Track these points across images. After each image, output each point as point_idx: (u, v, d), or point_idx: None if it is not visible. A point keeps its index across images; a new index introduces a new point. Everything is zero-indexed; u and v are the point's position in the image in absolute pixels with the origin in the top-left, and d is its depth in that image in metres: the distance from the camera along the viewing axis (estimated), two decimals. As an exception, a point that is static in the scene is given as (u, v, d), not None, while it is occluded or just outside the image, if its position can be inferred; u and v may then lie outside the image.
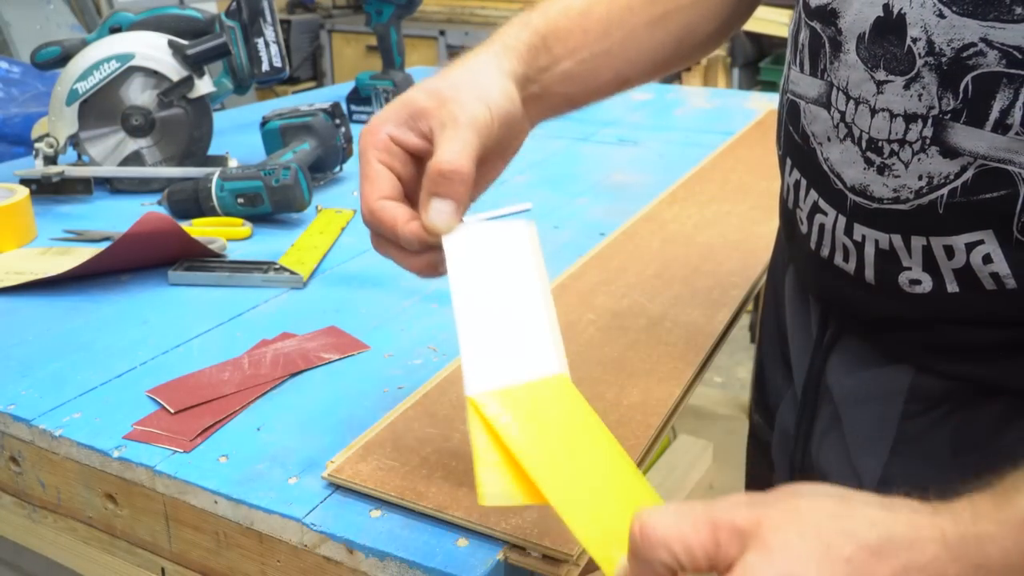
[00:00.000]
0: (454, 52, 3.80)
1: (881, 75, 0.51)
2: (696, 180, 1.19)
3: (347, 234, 1.01)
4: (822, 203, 0.58)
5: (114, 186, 1.14)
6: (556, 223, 1.04)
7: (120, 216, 1.05)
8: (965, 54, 0.47)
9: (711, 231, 1.00)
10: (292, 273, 0.86)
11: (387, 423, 0.60)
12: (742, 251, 0.93)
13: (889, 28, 0.50)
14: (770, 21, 3.56)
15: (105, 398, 0.65)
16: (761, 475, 0.74)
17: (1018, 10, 0.44)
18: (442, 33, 3.82)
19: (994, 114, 0.47)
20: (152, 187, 1.13)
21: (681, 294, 0.83)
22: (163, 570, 0.60)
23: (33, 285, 0.83)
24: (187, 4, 2.51)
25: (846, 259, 0.56)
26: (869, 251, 0.54)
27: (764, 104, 1.68)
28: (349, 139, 1.20)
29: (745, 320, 2.26)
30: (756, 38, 3.62)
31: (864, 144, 0.53)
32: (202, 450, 0.59)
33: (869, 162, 0.53)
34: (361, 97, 1.53)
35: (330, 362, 0.71)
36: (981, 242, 0.49)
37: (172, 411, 0.62)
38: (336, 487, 0.55)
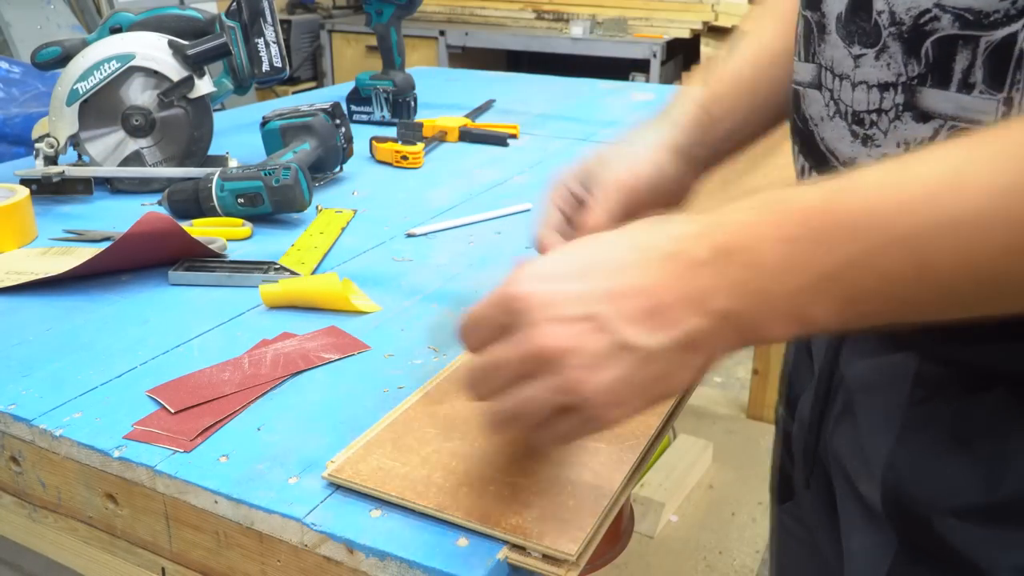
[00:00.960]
0: (454, 52, 3.82)
1: (856, 49, 0.54)
2: (696, 180, 1.19)
3: (347, 234, 1.01)
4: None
5: (114, 186, 1.14)
6: (556, 223, 1.04)
7: (120, 216, 1.05)
8: (922, 20, 0.49)
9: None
10: (292, 273, 0.86)
11: (387, 423, 0.60)
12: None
13: (860, 5, 0.53)
14: (770, 21, 3.55)
15: (105, 398, 0.65)
16: (784, 470, 0.75)
17: None
18: (442, 33, 3.82)
19: (956, 75, 0.48)
20: (152, 187, 1.13)
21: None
22: (163, 570, 0.60)
23: (33, 285, 0.83)
24: (187, 4, 2.51)
25: None
26: None
27: (764, 104, 1.68)
28: (349, 139, 1.20)
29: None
30: (756, 38, 3.61)
31: (850, 118, 0.55)
32: (202, 450, 0.59)
33: (855, 135, 0.55)
34: (361, 97, 1.53)
35: (330, 362, 0.70)
36: None
37: (172, 411, 0.63)
38: (336, 487, 0.55)
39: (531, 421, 0.45)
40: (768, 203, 0.43)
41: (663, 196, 0.69)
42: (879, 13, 0.51)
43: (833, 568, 0.66)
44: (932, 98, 0.50)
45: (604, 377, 0.42)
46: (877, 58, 0.52)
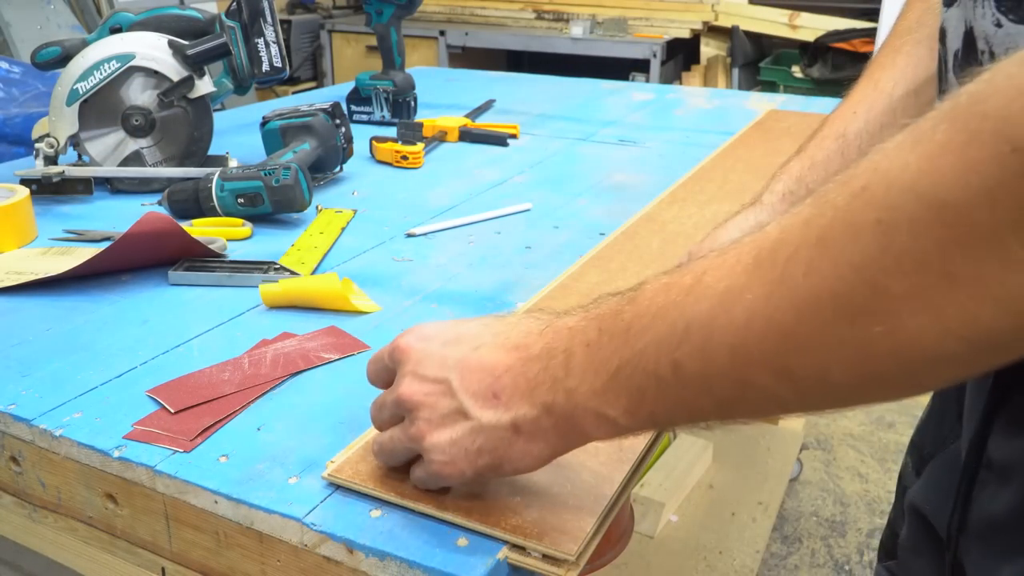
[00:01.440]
0: (454, 52, 3.82)
1: None
2: (696, 180, 1.19)
3: (347, 234, 1.01)
4: None
5: (114, 186, 1.14)
6: (556, 223, 1.04)
7: (120, 216, 1.05)
8: None
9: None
10: (292, 273, 0.86)
11: (387, 423, 0.60)
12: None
13: (969, 44, 0.52)
14: (770, 21, 3.56)
15: (105, 398, 0.65)
16: (894, 526, 0.71)
17: None
18: (442, 33, 3.82)
19: None
20: (152, 187, 1.13)
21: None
22: (163, 570, 0.60)
23: (33, 285, 0.83)
24: (187, 4, 2.51)
25: None
26: None
27: (764, 104, 1.69)
28: (349, 139, 1.20)
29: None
30: (756, 38, 3.62)
31: None
32: (202, 450, 0.59)
33: None
34: (361, 97, 1.53)
35: (330, 362, 0.70)
36: None
37: (172, 411, 0.63)
38: (336, 487, 0.55)
39: (395, 458, 0.53)
40: (594, 306, 0.46)
41: None
42: (981, 53, 0.51)
43: None
44: None
45: (441, 435, 0.48)
46: None
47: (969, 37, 0.52)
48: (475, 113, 1.57)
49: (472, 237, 1.00)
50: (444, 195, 1.15)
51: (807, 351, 0.37)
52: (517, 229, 1.03)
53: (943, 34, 0.56)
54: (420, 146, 1.29)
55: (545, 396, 0.46)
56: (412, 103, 1.53)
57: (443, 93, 1.78)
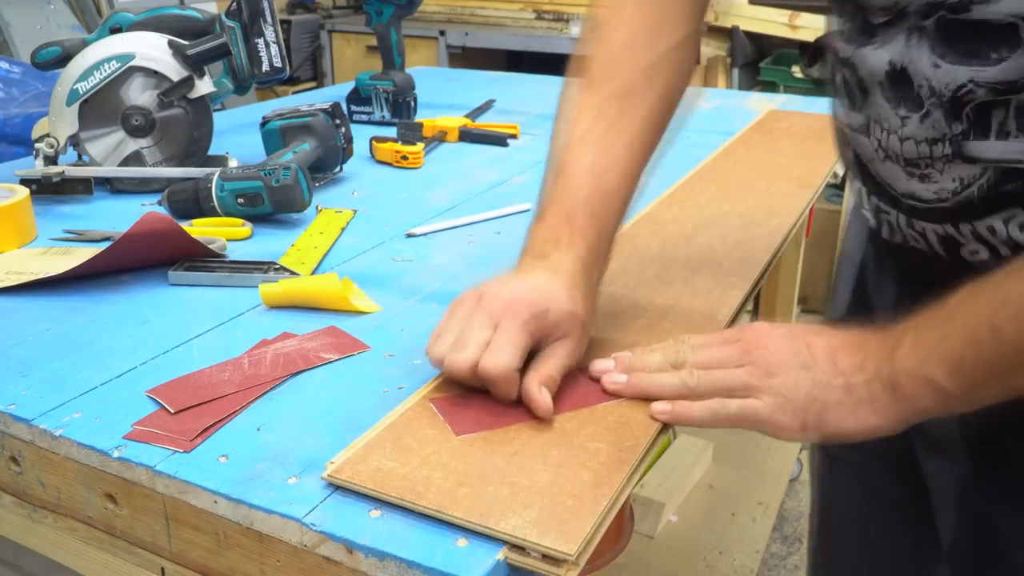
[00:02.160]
0: (454, 52, 3.82)
1: (902, 111, 0.61)
2: (696, 180, 1.19)
3: (347, 234, 1.01)
4: (883, 205, 0.67)
5: (114, 186, 1.14)
6: (556, 223, 1.04)
7: (120, 216, 1.05)
8: (960, 92, 0.57)
9: (711, 231, 0.99)
10: (292, 273, 0.86)
11: (387, 423, 0.60)
12: (741, 251, 0.93)
13: (898, 78, 0.60)
14: (770, 21, 3.56)
15: (105, 398, 0.65)
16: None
17: (993, 55, 0.54)
18: (442, 33, 3.82)
19: (994, 128, 0.56)
20: (152, 187, 1.13)
21: (680, 295, 0.83)
22: (163, 570, 0.60)
23: (33, 285, 0.83)
24: (187, 4, 2.51)
25: (916, 242, 0.65)
26: (932, 237, 0.64)
27: (764, 105, 1.68)
28: (349, 139, 1.20)
29: (745, 321, 2.25)
30: (756, 38, 3.62)
31: (902, 162, 0.62)
32: (202, 450, 0.59)
33: (910, 174, 0.62)
34: (361, 97, 1.53)
35: (330, 362, 0.70)
36: (1015, 216, 0.58)
37: (172, 411, 0.63)
38: (335, 487, 0.54)
39: (722, 388, 0.60)
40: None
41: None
42: (919, 87, 0.58)
43: (888, 494, 0.75)
44: (976, 148, 0.58)
45: (786, 378, 0.57)
46: (922, 121, 0.59)
47: (896, 74, 0.59)
48: (475, 113, 1.57)
49: (472, 237, 1.00)
50: (444, 195, 1.15)
51: None
52: (517, 229, 1.02)
53: (852, 66, 0.63)
54: (420, 146, 1.29)
55: (877, 365, 0.54)
56: (412, 103, 1.52)
57: (443, 93, 1.78)
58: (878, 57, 0.61)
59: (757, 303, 1.90)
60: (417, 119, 1.48)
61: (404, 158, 1.27)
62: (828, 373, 0.55)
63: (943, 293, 0.54)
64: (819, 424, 0.55)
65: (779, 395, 0.56)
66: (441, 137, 1.41)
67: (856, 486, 0.85)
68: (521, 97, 1.74)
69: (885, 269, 0.75)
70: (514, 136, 1.41)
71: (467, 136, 1.42)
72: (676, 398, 0.60)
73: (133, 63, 1.10)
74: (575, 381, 0.65)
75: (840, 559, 0.91)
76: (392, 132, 1.40)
